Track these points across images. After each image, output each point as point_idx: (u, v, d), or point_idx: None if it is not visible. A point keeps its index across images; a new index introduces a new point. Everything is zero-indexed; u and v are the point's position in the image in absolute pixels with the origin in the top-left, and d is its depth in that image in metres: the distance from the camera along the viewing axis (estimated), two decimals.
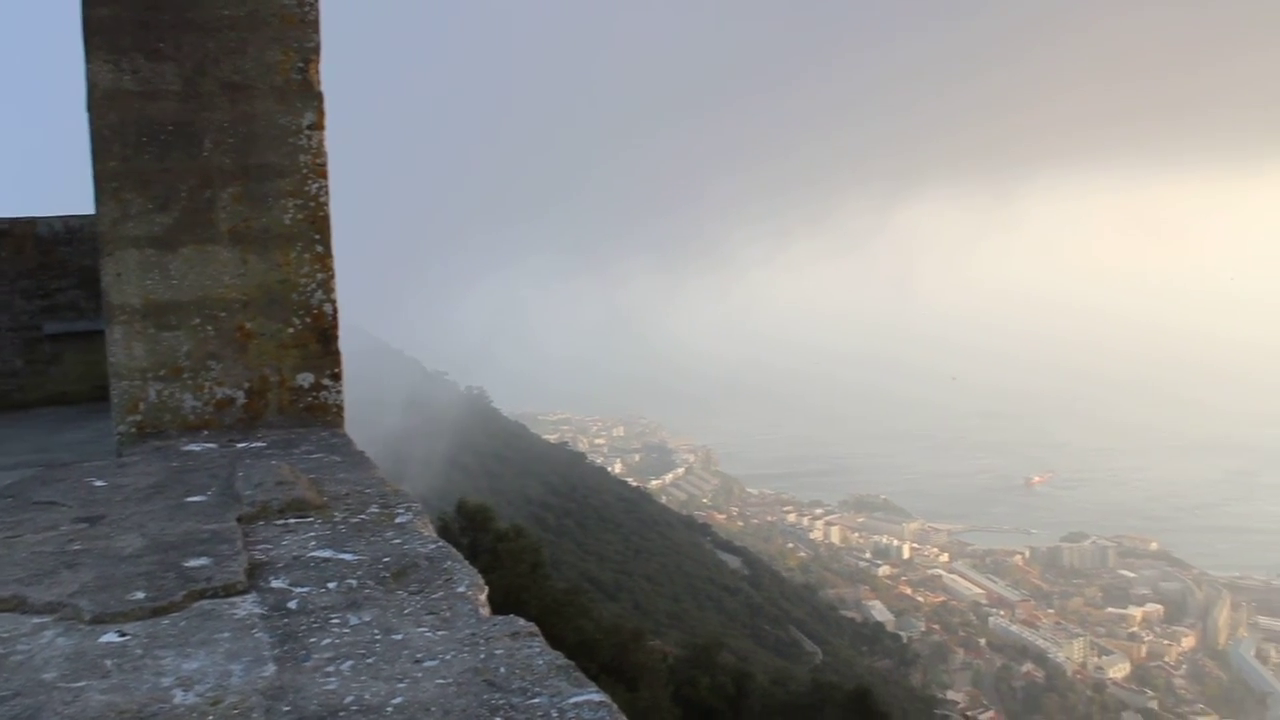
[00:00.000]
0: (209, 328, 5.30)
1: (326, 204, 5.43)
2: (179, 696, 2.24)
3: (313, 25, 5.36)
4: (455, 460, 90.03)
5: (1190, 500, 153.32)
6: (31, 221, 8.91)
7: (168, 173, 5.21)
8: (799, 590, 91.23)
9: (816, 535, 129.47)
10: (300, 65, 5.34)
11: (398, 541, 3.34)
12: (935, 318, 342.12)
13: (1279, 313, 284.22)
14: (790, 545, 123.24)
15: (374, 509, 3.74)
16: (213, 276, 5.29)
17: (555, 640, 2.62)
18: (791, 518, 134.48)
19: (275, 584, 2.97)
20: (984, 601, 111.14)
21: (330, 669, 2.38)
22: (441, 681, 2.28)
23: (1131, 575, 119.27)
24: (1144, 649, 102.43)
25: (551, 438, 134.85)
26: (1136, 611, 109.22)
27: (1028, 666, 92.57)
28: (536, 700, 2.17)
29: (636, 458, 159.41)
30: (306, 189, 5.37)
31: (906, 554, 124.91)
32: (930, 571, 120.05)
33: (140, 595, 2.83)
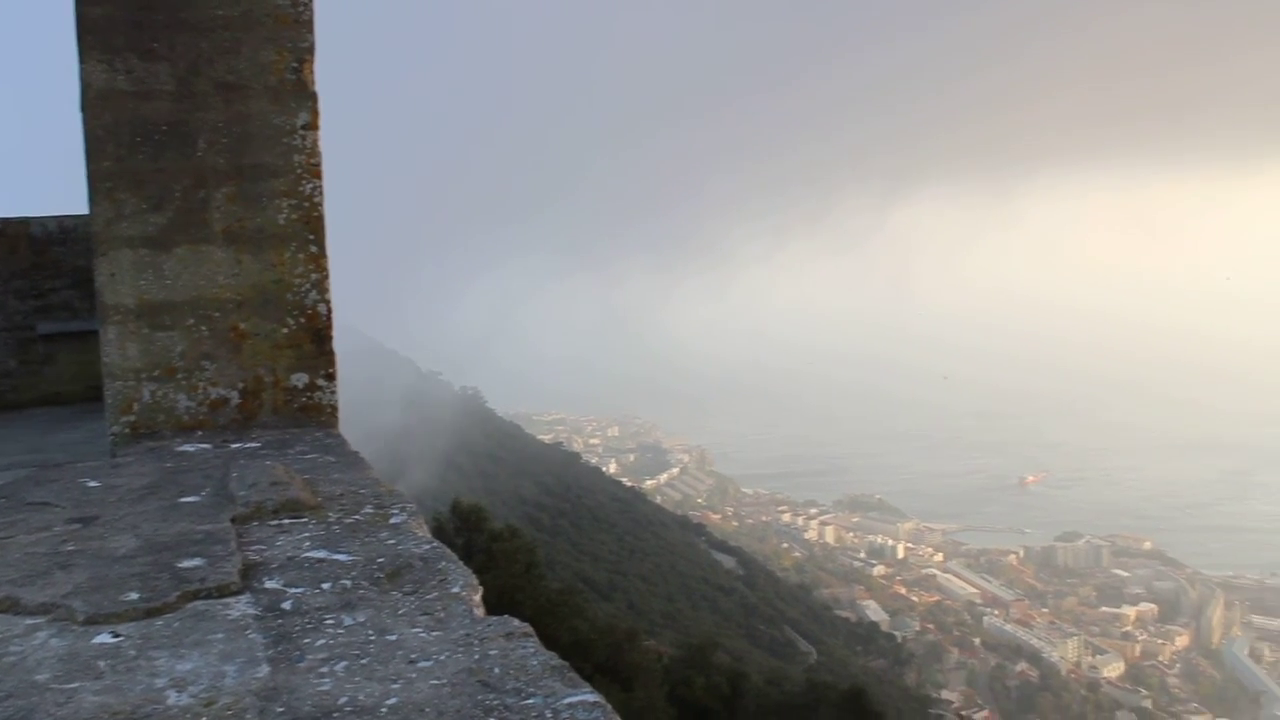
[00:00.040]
0: (203, 328, 5.29)
1: (321, 204, 5.43)
2: (172, 697, 2.23)
3: (307, 25, 5.36)
4: (450, 460, 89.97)
5: (1184, 500, 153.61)
6: (25, 221, 8.90)
7: (162, 173, 5.21)
8: (794, 590, 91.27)
9: (811, 535, 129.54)
10: (294, 65, 5.33)
11: (392, 542, 3.34)
12: (931, 317, 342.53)
13: (1274, 312, 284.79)
14: (785, 545, 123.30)
15: (368, 509, 3.74)
16: (207, 277, 5.29)
17: (550, 640, 2.63)
18: (786, 518, 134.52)
19: (269, 585, 2.97)
20: (978, 601, 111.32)
21: (324, 670, 2.38)
22: (436, 682, 2.28)
23: (1125, 574, 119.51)
24: (1138, 648, 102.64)
25: (546, 438, 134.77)
26: (1130, 611, 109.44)
27: (1022, 666, 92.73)
28: (531, 701, 2.17)
29: (631, 458, 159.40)
30: (301, 189, 5.37)
31: (901, 554, 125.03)
32: (925, 571, 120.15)
33: (134, 596, 2.83)
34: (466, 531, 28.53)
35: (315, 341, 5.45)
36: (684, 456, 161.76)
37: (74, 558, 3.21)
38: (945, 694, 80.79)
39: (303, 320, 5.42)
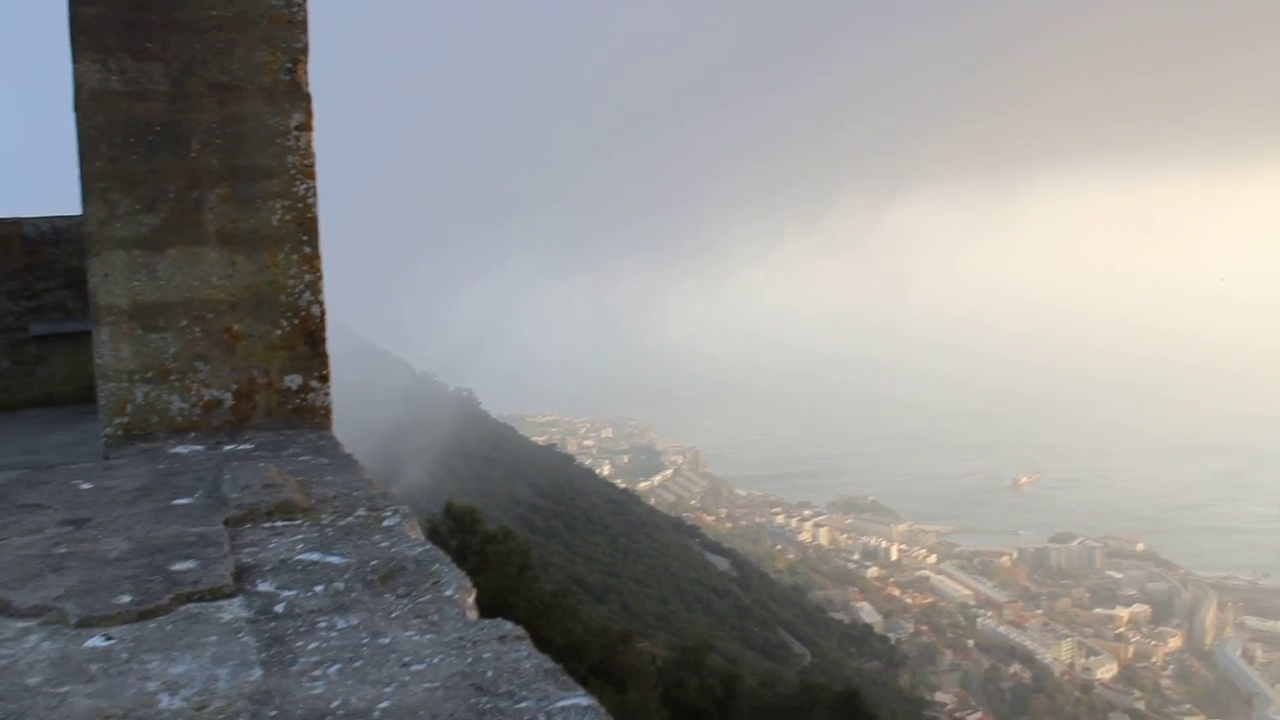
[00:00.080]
0: (196, 329, 5.28)
1: (314, 205, 5.42)
2: (165, 701, 2.23)
3: (301, 26, 5.35)
4: (444, 462, 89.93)
5: (1177, 501, 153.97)
6: (18, 222, 8.87)
7: (155, 173, 5.19)
8: (787, 592, 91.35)
9: (805, 537, 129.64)
10: (288, 66, 5.32)
11: (385, 544, 3.33)
12: (927, 318, 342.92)
13: (1269, 314, 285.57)
14: (779, 547, 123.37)
15: (361, 512, 3.73)
16: (200, 278, 5.28)
17: (543, 642, 2.63)
18: (780, 519, 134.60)
19: (262, 587, 2.96)
20: (972, 603, 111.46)
21: (317, 673, 2.37)
22: (429, 685, 2.27)
23: (1119, 576, 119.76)
24: (1131, 649, 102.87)
25: (540, 439, 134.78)
26: (1124, 612, 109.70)
27: (1015, 667, 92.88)
28: (524, 704, 2.16)
29: (625, 459, 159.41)
30: (294, 190, 5.36)
31: (895, 555, 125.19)
32: (918, 573, 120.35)
33: (126, 599, 2.82)
34: (460, 533, 28.53)
35: (309, 343, 5.44)
36: (678, 458, 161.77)
37: (66, 560, 3.20)
38: (939, 696, 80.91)
39: (296, 322, 5.41)
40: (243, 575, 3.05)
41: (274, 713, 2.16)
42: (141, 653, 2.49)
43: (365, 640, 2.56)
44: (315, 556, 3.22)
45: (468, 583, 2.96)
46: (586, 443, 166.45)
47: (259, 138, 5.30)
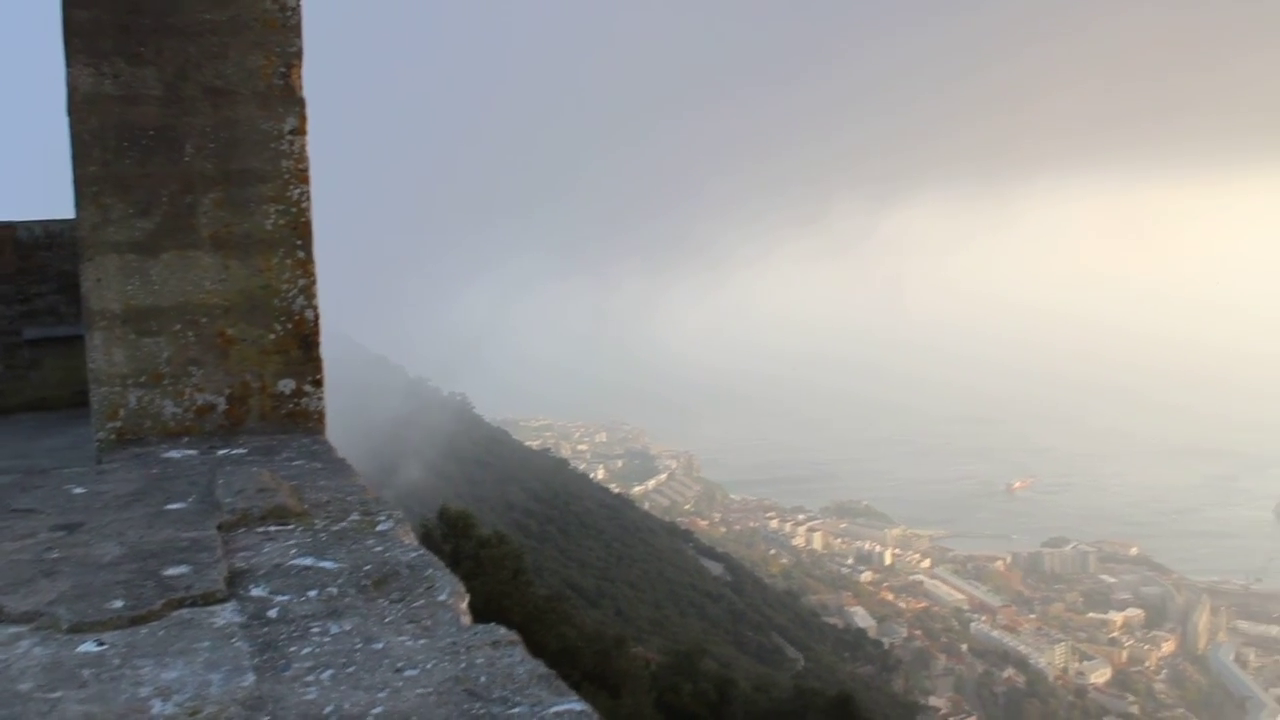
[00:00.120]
0: (190, 333, 5.27)
1: (308, 209, 5.42)
2: (157, 707, 2.22)
3: (295, 30, 5.35)
4: (437, 466, 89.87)
5: (1170, 505, 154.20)
6: (11, 226, 8.86)
7: (149, 178, 5.19)
8: (781, 596, 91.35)
9: (799, 541, 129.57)
10: (282, 70, 5.32)
11: (379, 549, 3.33)
12: (921, 322, 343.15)
13: (1261, 319, 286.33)
14: (772, 551, 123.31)
15: (355, 516, 3.73)
16: (194, 282, 5.27)
17: (537, 647, 2.62)
18: (774, 524, 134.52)
19: (255, 592, 2.95)
20: (966, 607, 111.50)
21: (310, 678, 2.37)
22: (422, 691, 2.27)
23: (1112, 580, 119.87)
24: (1125, 654, 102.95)
25: (534, 444, 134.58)
26: (1117, 616, 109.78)
27: (1009, 672, 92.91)
28: (517, 710, 2.16)
29: (619, 464, 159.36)
30: (288, 194, 5.36)
31: (888, 560, 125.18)
32: (912, 577, 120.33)
33: (119, 604, 2.81)
34: (454, 538, 28.48)
35: (302, 347, 5.44)
36: (672, 463, 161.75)
37: (58, 565, 3.19)
38: (933, 700, 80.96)
39: (290, 326, 5.40)
40: (236, 580, 3.04)
41: (267, 718, 2.16)
42: (134, 658, 2.49)
43: (358, 645, 2.56)
44: (309, 561, 3.22)
45: (461, 588, 2.96)
46: (580, 447, 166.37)
47: (253, 142, 5.30)
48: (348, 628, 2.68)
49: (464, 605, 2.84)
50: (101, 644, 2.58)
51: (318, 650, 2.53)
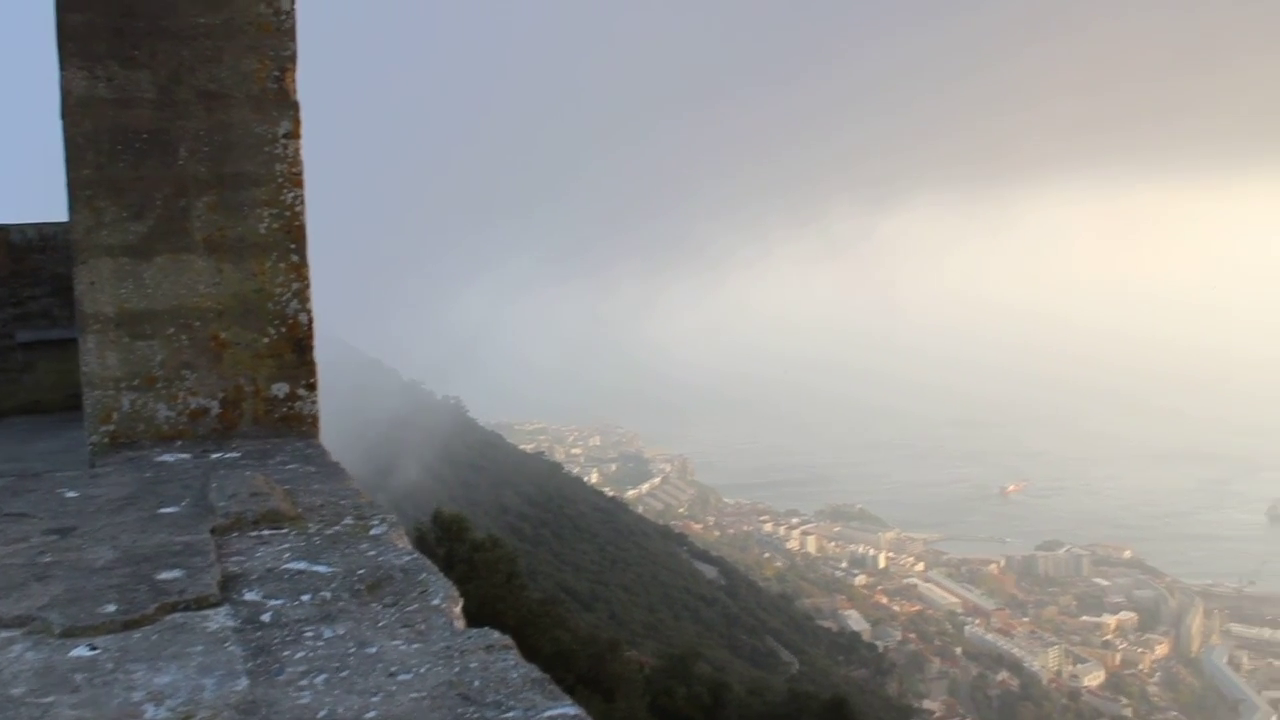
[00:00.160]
0: (183, 337, 5.27)
1: (302, 213, 5.41)
2: (150, 711, 2.22)
3: (289, 34, 5.35)
4: (431, 470, 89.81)
5: (1163, 508, 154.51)
6: (4, 229, 8.85)
7: (142, 181, 5.18)
8: (775, 600, 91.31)
9: (793, 545, 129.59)
10: (276, 74, 5.32)
11: (372, 554, 3.33)
12: (916, 326, 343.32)
13: (1255, 322, 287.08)
14: (767, 555, 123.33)
15: (349, 520, 3.72)
16: (187, 285, 5.26)
17: (531, 651, 2.62)
18: (768, 527, 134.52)
19: (249, 596, 2.95)
20: (960, 610, 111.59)
21: (304, 683, 2.36)
22: (416, 695, 2.27)
23: (1105, 583, 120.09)
24: (1118, 657, 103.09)
25: (528, 447, 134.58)
26: (1110, 619, 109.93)
27: (1003, 675, 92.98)
28: (511, 714, 2.16)
29: (613, 467, 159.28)
30: (282, 198, 5.36)
31: (882, 563, 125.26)
32: (906, 581, 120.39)
33: (111, 608, 2.81)
34: (448, 541, 28.47)
35: (296, 351, 5.43)
36: (665, 466, 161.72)
37: (51, 569, 3.18)
38: (927, 704, 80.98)
39: (284, 330, 5.40)
40: (229, 584, 3.04)
41: None
42: (127, 663, 2.48)
43: (352, 650, 2.56)
44: (302, 565, 3.22)
45: (455, 592, 2.96)
46: (574, 451, 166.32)
47: (246, 145, 5.29)
48: (341, 632, 2.68)
49: (458, 609, 2.84)
50: (94, 648, 2.58)
51: (311, 654, 2.53)
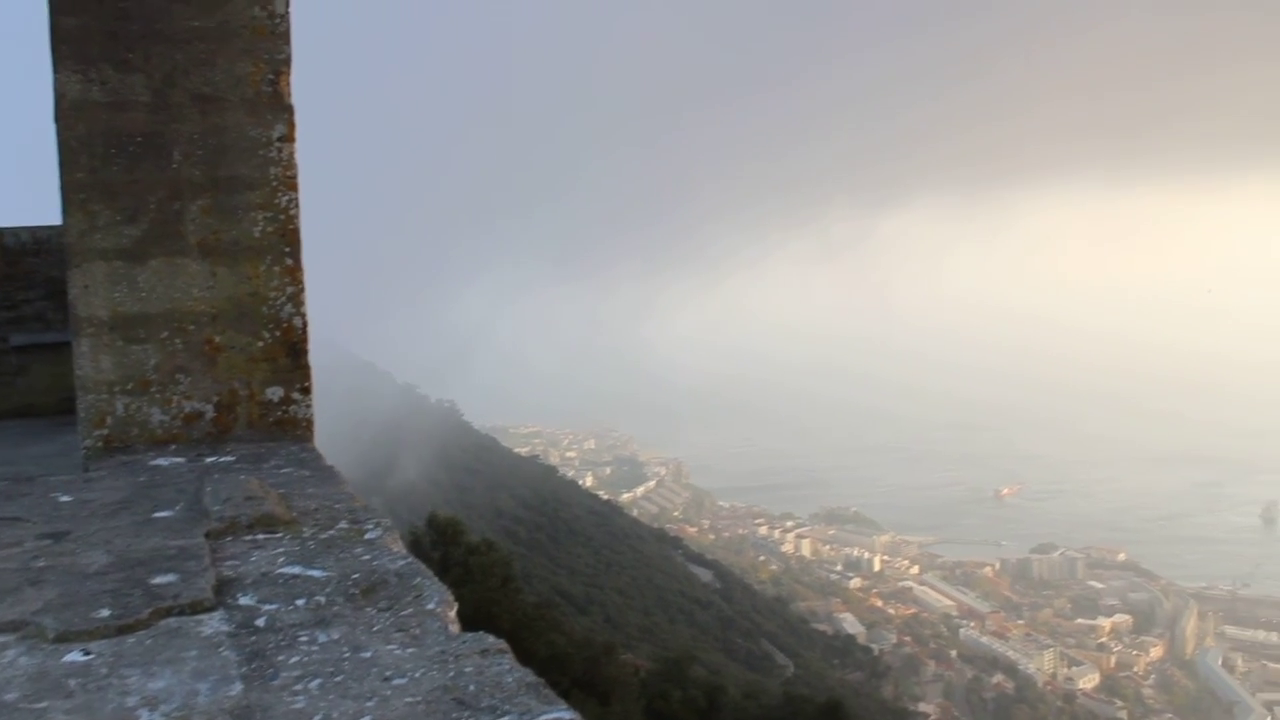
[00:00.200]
0: (177, 341, 5.26)
1: (297, 217, 5.41)
2: (144, 717, 2.21)
3: (283, 37, 5.34)
4: (426, 474, 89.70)
5: (1158, 511, 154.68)
6: None
7: (136, 184, 5.18)
8: (770, 603, 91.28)
9: (788, 548, 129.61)
10: (271, 77, 5.32)
11: (367, 558, 3.32)
12: (913, 328, 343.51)
13: (1250, 325, 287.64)
14: (761, 558, 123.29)
15: (343, 524, 3.72)
16: (181, 289, 5.26)
17: (526, 654, 2.62)
18: (763, 530, 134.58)
19: (243, 601, 2.95)
20: (955, 613, 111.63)
21: (298, 687, 2.36)
22: (410, 700, 2.27)
23: (1100, 586, 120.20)
24: (1113, 659, 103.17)
25: (523, 451, 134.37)
26: (1105, 622, 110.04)
27: (998, 678, 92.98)
28: (506, 718, 2.16)
29: (608, 471, 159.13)
30: (276, 201, 5.35)
31: (877, 566, 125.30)
32: (901, 584, 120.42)
33: (105, 613, 2.80)
34: (443, 545, 28.47)
35: (291, 355, 5.43)
36: (661, 469, 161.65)
37: (45, 574, 3.18)
38: (922, 706, 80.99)
39: (278, 333, 5.39)
40: (224, 589, 3.03)
41: None
42: (121, 668, 2.48)
43: (347, 654, 2.55)
44: (297, 570, 3.21)
45: (449, 596, 2.96)
46: (569, 454, 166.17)
47: (241, 149, 5.29)
48: (336, 636, 2.67)
49: (452, 613, 2.84)
50: (88, 653, 2.57)
51: (306, 659, 2.53)
